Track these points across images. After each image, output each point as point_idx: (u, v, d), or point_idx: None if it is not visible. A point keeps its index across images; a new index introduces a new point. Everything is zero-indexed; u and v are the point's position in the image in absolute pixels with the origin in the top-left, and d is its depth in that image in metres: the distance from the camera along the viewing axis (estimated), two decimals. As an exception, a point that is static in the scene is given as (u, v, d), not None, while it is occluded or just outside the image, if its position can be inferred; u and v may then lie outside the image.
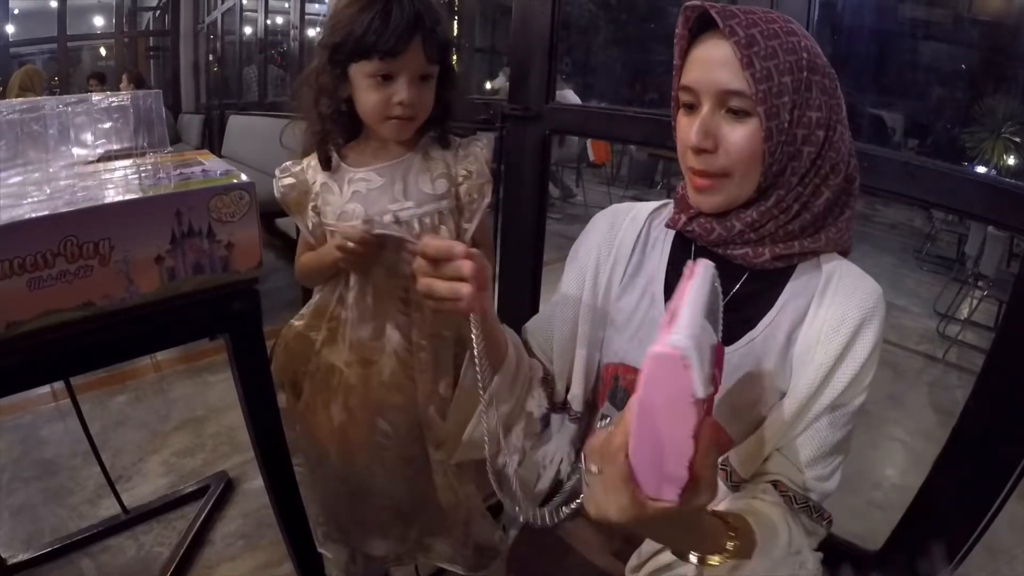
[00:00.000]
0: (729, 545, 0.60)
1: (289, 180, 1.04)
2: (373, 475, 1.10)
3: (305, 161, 1.05)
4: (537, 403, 0.83)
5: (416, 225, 1.02)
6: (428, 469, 1.09)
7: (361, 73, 0.95)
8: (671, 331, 0.42)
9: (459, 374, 0.81)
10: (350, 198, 1.02)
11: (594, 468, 0.48)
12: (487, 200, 1.06)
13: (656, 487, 0.45)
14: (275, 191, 1.05)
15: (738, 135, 0.67)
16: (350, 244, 0.93)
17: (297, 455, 1.12)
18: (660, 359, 0.41)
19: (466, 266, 0.65)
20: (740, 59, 0.64)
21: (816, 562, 0.70)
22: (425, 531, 1.18)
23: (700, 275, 0.52)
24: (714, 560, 0.59)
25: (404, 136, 1.01)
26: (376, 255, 0.97)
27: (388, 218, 1.00)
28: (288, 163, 1.06)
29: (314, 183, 1.04)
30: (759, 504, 0.70)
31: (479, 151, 1.06)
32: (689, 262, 0.49)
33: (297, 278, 1.12)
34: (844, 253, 0.75)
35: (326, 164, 1.02)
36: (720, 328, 0.56)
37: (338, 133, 1.02)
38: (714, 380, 0.47)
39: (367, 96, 0.96)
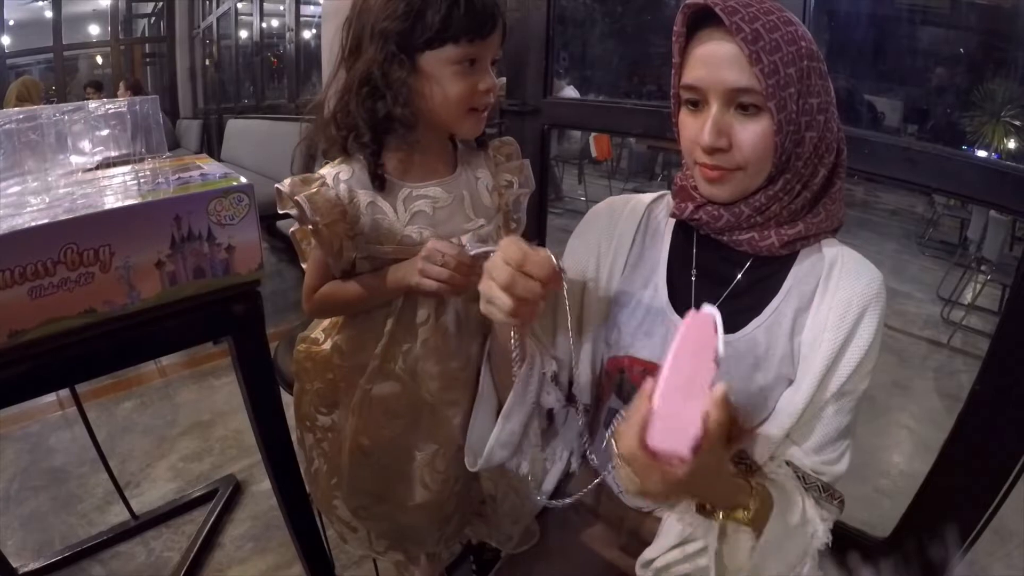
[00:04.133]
0: (751, 504, 0.66)
1: (319, 200, 0.83)
2: (444, 486, 1.05)
3: (327, 175, 0.88)
4: (555, 398, 0.83)
5: (490, 244, 0.91)
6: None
7: (443, 61, 0.82)
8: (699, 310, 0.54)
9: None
10: (411, 220, 0.89)
11: (618, 449, 0.56)
12: (524, 207, 1.03)
13: (673, 438, 0.51)
14: (304, 210, 0.81)
15: (750, 132, 0.67)
16: (454, 275, 0.82)
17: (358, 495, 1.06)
18: (696, 318, 0.50)
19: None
20: (748, 56, 0.64)
21: (827, 534, 0.73)
22: (467, 513, 1.15)
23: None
24: (738, 515, 0.67)
25: (479, 131, 0.92)
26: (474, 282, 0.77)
27: (467, 238, 0.90)
28: (295, 178, 0.85)
29: (351, 203, 0.87)
30: (776, 477, 0.73)
31: (523, 161, 1.01)
32: (692, 311, 0.56)
33: (308, 313, 0.97)
34: (838, 224, 0.76)
35: (381, 184, 0.87)
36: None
37: (401, 139, 0.87)
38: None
39: (452, 86, 0.83)
